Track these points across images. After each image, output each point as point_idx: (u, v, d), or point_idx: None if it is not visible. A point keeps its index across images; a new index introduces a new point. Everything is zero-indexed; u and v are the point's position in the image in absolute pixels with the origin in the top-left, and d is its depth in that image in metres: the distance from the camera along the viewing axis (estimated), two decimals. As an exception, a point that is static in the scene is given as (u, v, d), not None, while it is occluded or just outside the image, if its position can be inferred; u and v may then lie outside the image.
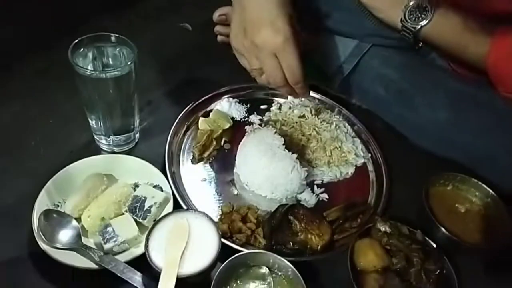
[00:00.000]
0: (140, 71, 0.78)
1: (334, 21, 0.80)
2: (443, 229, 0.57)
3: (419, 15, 0.67)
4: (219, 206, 0.62)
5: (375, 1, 0.72)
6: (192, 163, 0.67)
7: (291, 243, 0.57)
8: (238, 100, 0.77)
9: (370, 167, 0.71)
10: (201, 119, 0.71)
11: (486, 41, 0.65)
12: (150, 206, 0.57)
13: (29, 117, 0.70)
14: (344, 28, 0.80)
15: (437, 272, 0.53)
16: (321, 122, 0.75)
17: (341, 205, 0.63)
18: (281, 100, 0.79)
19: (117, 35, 0.58)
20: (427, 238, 0.56)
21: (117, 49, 0.60)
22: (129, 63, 0.58)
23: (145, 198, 0.57)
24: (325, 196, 0.66)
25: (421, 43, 0.73)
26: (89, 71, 0.56)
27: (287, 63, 0.58)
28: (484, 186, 0.63)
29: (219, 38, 0.86)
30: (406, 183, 0.69)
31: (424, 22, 0.67)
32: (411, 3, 0.68)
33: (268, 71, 0.59)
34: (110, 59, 0.60)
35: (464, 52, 0.68)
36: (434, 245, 0.56)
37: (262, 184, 0.63)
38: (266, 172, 0.63)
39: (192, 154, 0.68)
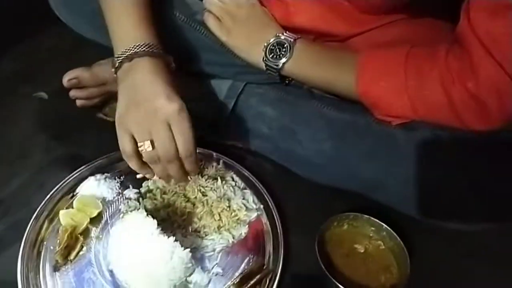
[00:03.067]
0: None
1: (202, 63, 0.75)
2: (341, 286, 0.53)
3: (279, 52, 0.65)
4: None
5: (235, 41, 0.69)
6: (55, 270, 0.56)
7: None
8: (108, 175, 0.68)
9: (264, 219, 0.66)
10: (61, 212, 0.61)
11: (351, 71, 0.63)
12: None
13: None
14: (214, 69, 0.75)
15: None
16: (206, 180, 0.68)
17: (236, 278, 0.57)
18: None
19: None
20: (326, 302, 0.52)
21: None
22: None
23: None
24: (219, 270, 0.59)
25: (289, 79, 0.70)
26: None
27: (181, 132, 0.55)
28: (377, 220, 0.61)
29: (78, 102, 0.77)
30: (304, 229, 0.64)
31: (284, 60, 0.64)
32: (270, 41, 0.66)
33: (159, 142, 0.54)
34: None
35: (332, 85, 0.66)
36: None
37: (142, 279, 0.55)
38: (143, 266, 0.54)
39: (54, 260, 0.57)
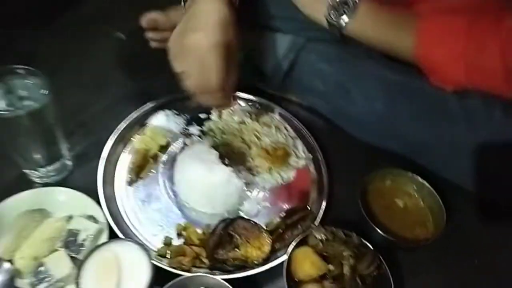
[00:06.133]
0: (69, 91, 0.76)
1: (267, 17, 0.79)
2: (378, 230, 0.58)
3: (342, 11, 0.67)
4: (160, 225, 0.62)
5: None
6: (129, 185, 0.66)
7: (231, 259, 0.57)
8: (176, 112, 0.75)
9: (311, 168, 0.71)
10: (136, 137, 0.70)
11: (410, 33, 0.65)
12: (84, 240, 0.55)
13: None
14: (278, 23, 0.79)
15: (372, 274, 0.54)
16: (261, 126, 0.75)
17: (282, 212, 0.64)
18: (220, 107, 0.78)
19: (24, 67, 0.55)
20: (363, 240, 0.57)
21: (30, 81, 0.56)
22: (43, 92, 0.55)
23: (78, 231, 0.56)
24: (267, 204, 0.66)
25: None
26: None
27: (208, 68, 0.56)
28: (419, 178, 0.64)
29: (153, 44, 0.83)
30: (348, 182, 0.69)
31: (347, 20, 0.66)
32: None
33: (191, 74, 0.58)
34: (24, 92, 0.56)
35: (391, 47, 0.68)
36: (371, 247, 0.57)
37: (201, 200, 0.63)
38: (203, 188, 0.62)
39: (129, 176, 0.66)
